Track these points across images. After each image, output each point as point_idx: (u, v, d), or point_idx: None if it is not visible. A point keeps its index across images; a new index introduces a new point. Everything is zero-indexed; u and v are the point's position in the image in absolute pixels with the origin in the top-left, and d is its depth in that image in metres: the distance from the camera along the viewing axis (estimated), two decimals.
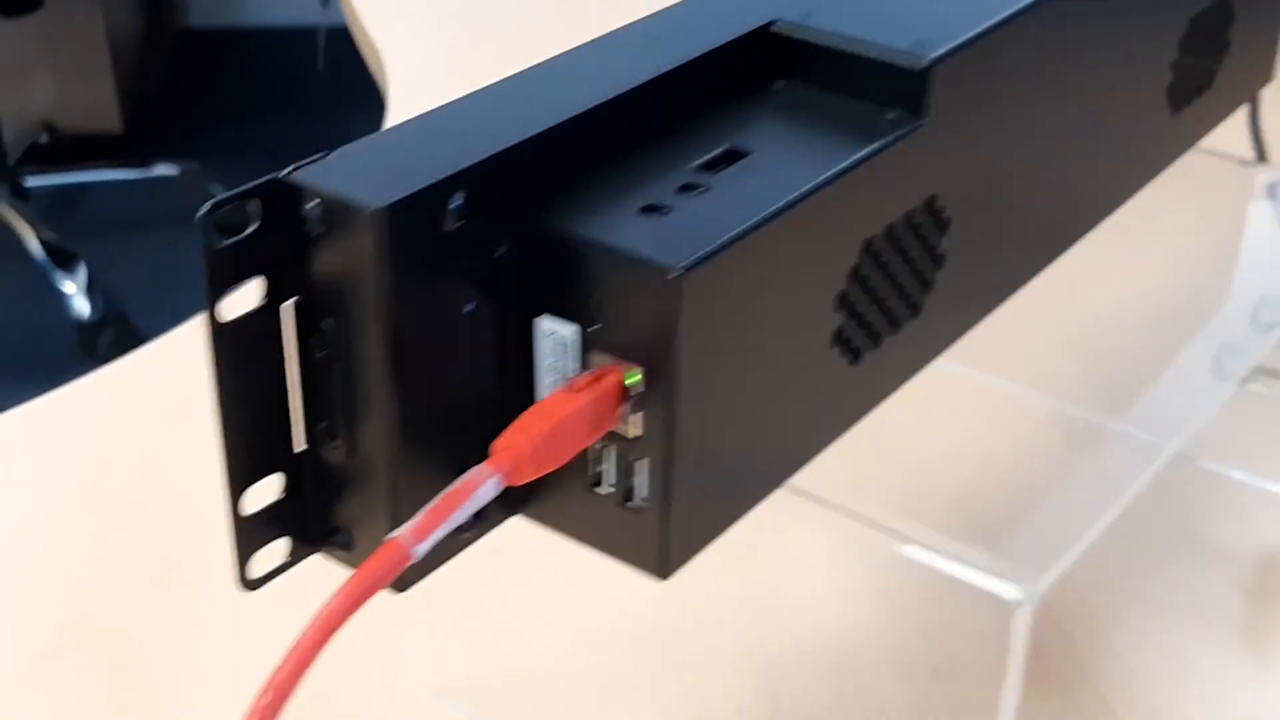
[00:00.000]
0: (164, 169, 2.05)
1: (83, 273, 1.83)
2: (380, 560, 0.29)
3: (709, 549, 0.36)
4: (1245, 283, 0.58)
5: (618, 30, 0.39)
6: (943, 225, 0.40)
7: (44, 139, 2.15)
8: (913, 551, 0.38)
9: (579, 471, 0.35)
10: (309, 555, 0.35)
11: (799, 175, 0.35)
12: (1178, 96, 0.51)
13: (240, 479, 0.33)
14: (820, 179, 0.35)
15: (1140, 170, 0.51)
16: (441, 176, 0.32)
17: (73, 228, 1.98)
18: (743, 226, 0.33)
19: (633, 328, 0.33)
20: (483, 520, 0.36)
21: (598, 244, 0.33)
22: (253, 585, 0.34)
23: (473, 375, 0.34)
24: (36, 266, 1.85)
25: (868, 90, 0.38)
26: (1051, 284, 0.52)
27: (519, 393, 0.35)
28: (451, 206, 0.32)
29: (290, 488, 0.35)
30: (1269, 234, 0.59)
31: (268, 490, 0.34)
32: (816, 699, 0.49)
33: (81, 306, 1.81)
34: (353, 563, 0.35)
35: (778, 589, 0.51)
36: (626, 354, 0.33)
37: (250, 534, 0.34)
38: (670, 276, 0.32)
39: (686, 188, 0.35)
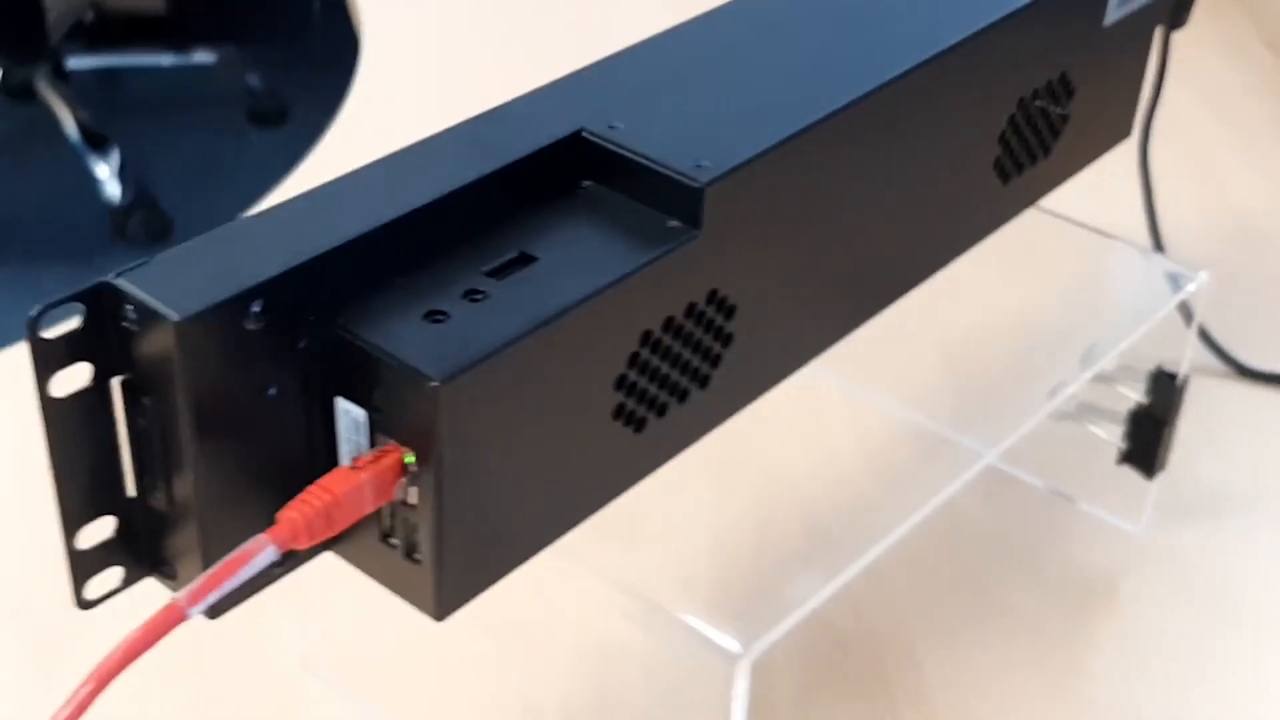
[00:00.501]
0: (203, 55, 2.10)
1: (115, 156, 1.90)
2: (157, 621, 0.36)
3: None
4: (1086, 333, 0.63)
5: (442, 132, 0.44)
6: (728, 311, 0.45)
7: (89, 17, 2.20)
8: (645, 610, 0.43)
9: (376, 523, 0.41)
10: (141, 579, 0.42)
11: (575, 283, 0.41)
12: (1007, 169, 0.56)
13: (73, 521, 0.40)
14: (593, 288, 0.41)
15: (966, 235, 0.56)
16: (241, 288, 0.37)
17: (109, 110, 2.05)
18: (509, 336, 0.39)
19: (405, 420, 0.39)
20: (292, 558, 0.42)
21: (377, 348, 0.38)
22: (86, 605, 0.41)
23: (281, 442, 0.40)
24: (71, 148, 1.92)
25: (656, 199, 0.43)
26: (932, 309, 0.58)
27: (327, 455, 0.41)
28: (252, 311, 0.38)
29: (123, 526, 0.41)
30: (1115, 298, 0.64)
31: (103, 528, 0.40)
32: None
33: (113, 190, 1.87)
34: (175, 589, 0.41)
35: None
36: (402, 440, 0.39)
37: (84, 564, 0.40)
38: (430, 386, 0.37)
39: (470, 294, 0.40)
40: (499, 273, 0.41)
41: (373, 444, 0.40)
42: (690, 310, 0.44)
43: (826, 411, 0.65)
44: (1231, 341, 0.71)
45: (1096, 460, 0.64)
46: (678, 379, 0.45)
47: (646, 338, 0.43)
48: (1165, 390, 0.60)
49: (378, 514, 0.41)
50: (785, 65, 0.48)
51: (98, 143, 1.91)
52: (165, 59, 2.14)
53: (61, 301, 0.37)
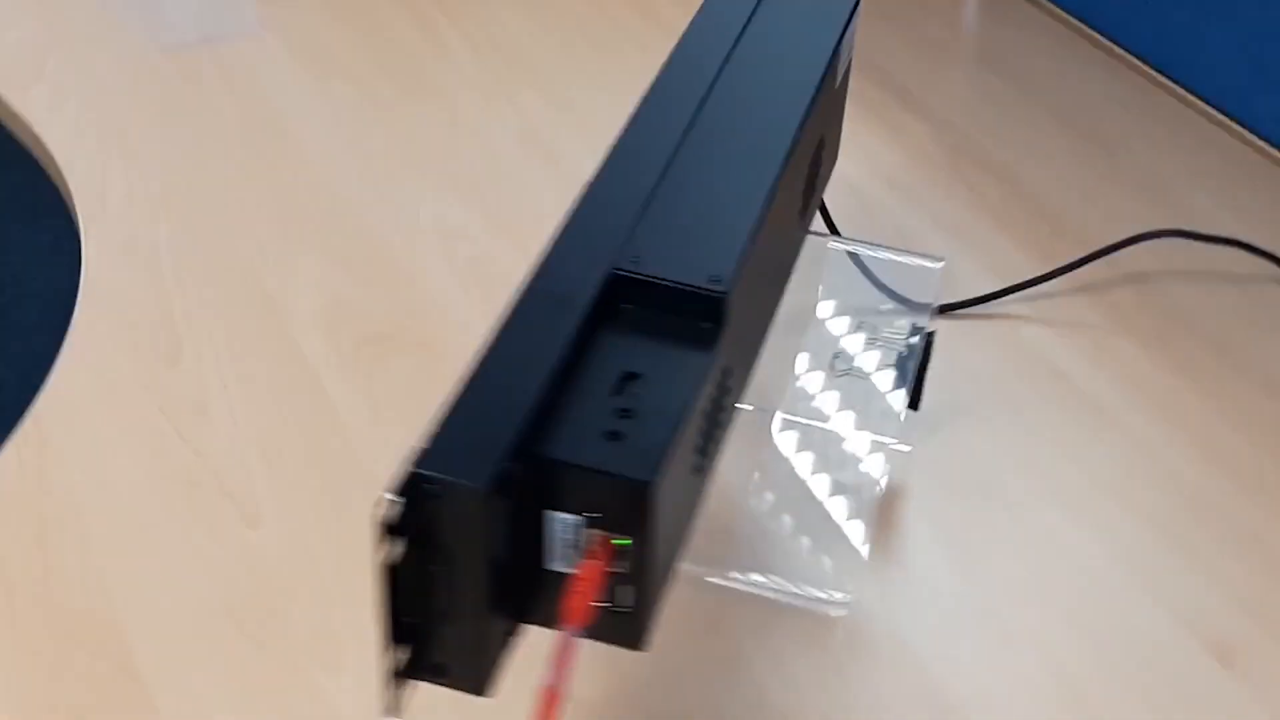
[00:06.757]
0: None
1: None
2: (542, 708, 0.49)
3: None
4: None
5: (516, 300, 0.58)
6: (731, 387, 0.62)
7: None
8: None
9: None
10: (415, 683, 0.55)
11: (679, 388, 0.56)
12: (803, 210, 0.75)
13: (388, 644, 0.52)
14: (693, 387, 0.56)
15: (790, 265, 0.75)
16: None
17: None
18: (667, 439, 0.54)
19: (621, 514, 0.53)
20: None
21: (593, 468, 0.53)
22: (392, 713, 0.53)
23: (509, 556, 0.54)
24: None
25: (686, 309, 0.59)
26: None
27: (533, 561, 0.55)
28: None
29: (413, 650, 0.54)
30: (841, 279, 0.85)
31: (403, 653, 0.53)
32: None
33: None
34: (450, 685, 0.54)
35: None
36: (615, 529, 0.54)
37: (391, 680, 0.53)
38: (645, 485, 0.52)
39: (623, 412, 0.55)
40: (620, 391, 0.56)
41: (578, 540, 0.54)
42: (720, 387, 0.61)
43: None
44: None
45: (851, 398, 0.85)
46: (715, 432, 0.62)
47: (707, 413, 0.59)
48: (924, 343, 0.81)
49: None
50: (712, 171, 0.65)
51: None
52: None
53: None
